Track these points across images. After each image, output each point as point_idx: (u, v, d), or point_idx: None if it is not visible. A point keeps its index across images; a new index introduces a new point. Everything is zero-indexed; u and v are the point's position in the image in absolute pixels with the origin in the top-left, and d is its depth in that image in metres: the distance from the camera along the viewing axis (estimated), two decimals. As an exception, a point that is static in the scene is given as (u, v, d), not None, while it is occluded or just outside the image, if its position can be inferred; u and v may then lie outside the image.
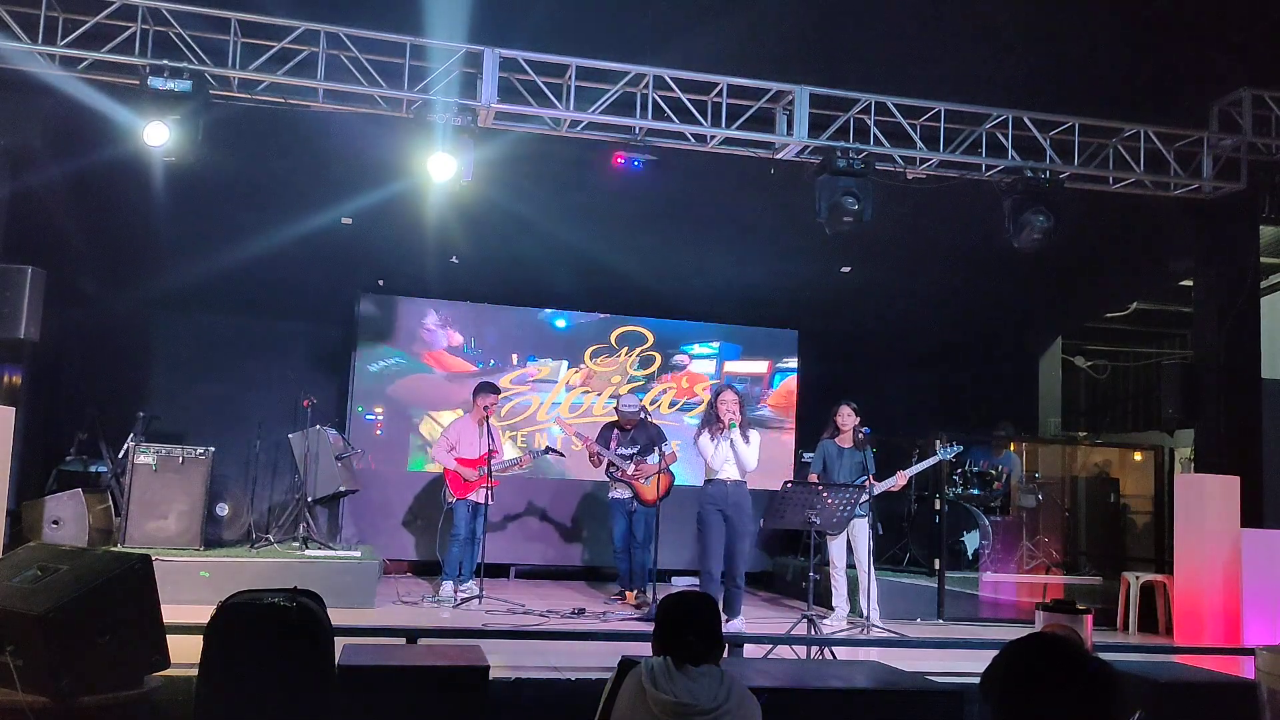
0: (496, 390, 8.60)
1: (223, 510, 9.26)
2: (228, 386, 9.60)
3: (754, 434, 7.34)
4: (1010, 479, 10.02)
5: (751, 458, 7.25)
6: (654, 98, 7.20)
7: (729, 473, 7.23)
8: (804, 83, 7.33)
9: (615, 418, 8.64)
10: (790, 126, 7.37)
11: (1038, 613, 4.45)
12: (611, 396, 10.11)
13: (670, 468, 8.25)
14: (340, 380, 10.06)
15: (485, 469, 8.07)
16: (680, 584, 9.46)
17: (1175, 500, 8.24)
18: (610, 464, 8.36)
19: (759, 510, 7.19)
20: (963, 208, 8.21)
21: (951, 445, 8.16)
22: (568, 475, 10.05)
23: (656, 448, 8.26)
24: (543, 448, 9.18)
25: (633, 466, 8.27)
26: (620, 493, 8.39)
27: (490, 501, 8.29)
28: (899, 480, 7.95)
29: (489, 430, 8.36)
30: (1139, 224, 8.87)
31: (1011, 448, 10.34)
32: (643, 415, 8.59)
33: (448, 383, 10.14)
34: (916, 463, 8.20)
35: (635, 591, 8.21)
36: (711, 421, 7.29)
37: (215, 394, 9.55)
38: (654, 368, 10.65)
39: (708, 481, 7.32)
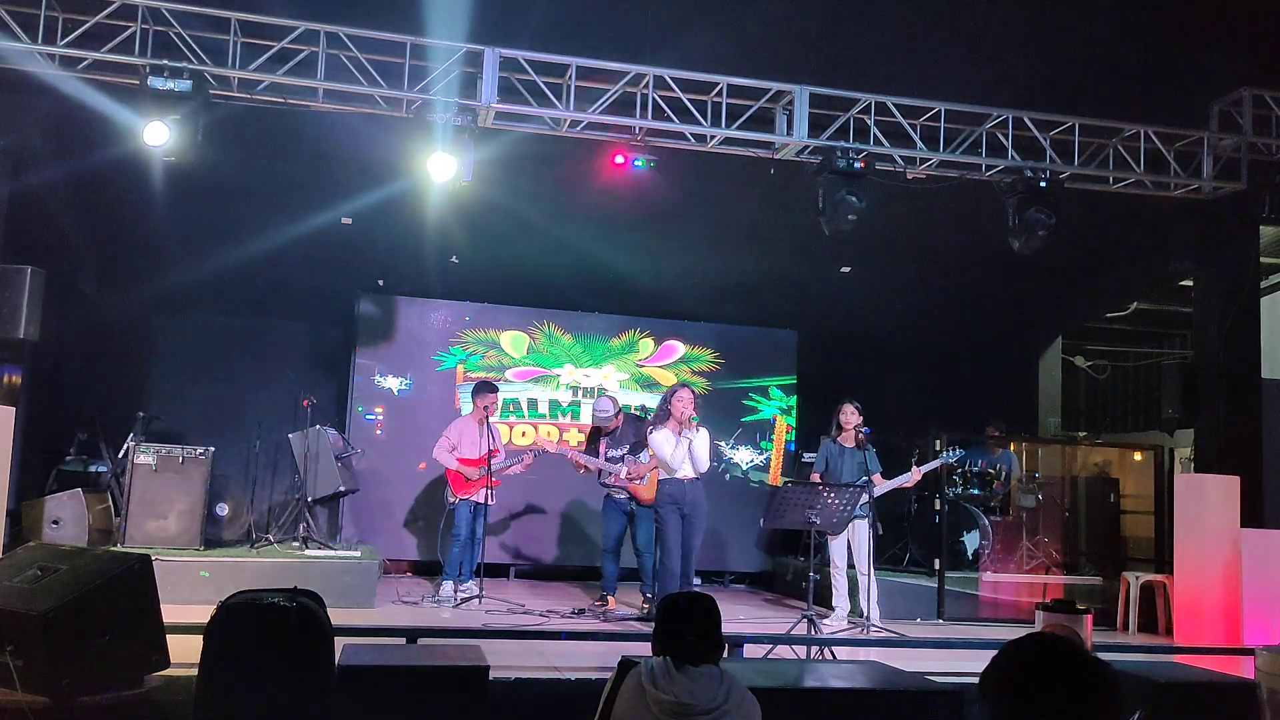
0: (495, 389, 8.59)
1: (223, 510, 9.26)
2: (228, 386, 9.60)
3: (704, 432, 7.29)
4: (1010, 478, 10.02)
5: (705, 456, 7.26)
6: (654, 98, 7.20)
7: (685, 472, 7.20)
8: (804, 83, 7.33)
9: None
10: (790, 126, 7.37)
11: (1038, 613, 4.45)
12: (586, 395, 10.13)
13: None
14: (340, 380, 10.06)
15: (487, 469, 8.08)
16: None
17: (1175, 500, 8.24)
18: (600, 470, 8.13)
19: (760, 511, 7.16)
20: (963, 208, 8.21)
21: (953, 449, 8.16)
22: (568, 475, 10.04)
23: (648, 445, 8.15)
24: (541, 449, 9.15)
25: (625, 469, 8.03)
26: (617, 494, 8.16)
27: (491, 502, 8.30)
28: (915, 475, 7.94)
29: (490, 430, 8.37)
30: (1139, 224, 8.87)
31: (1012, 448, 10.34)
32: (621, 414, 8.34)
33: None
34: (919, 462, 8.19)
35: (648, 595, 8.08)
36: (664, 420, 7.23)
37: (215, 394, 9.55)
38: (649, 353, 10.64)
39: (664, 481, 7.27)
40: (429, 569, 9.37)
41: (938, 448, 8.17)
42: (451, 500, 8.31)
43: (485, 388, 8.53)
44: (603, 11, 7.04)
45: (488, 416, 8.41)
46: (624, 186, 7.72)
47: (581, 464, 8.14)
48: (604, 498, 8.29)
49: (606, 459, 8.09)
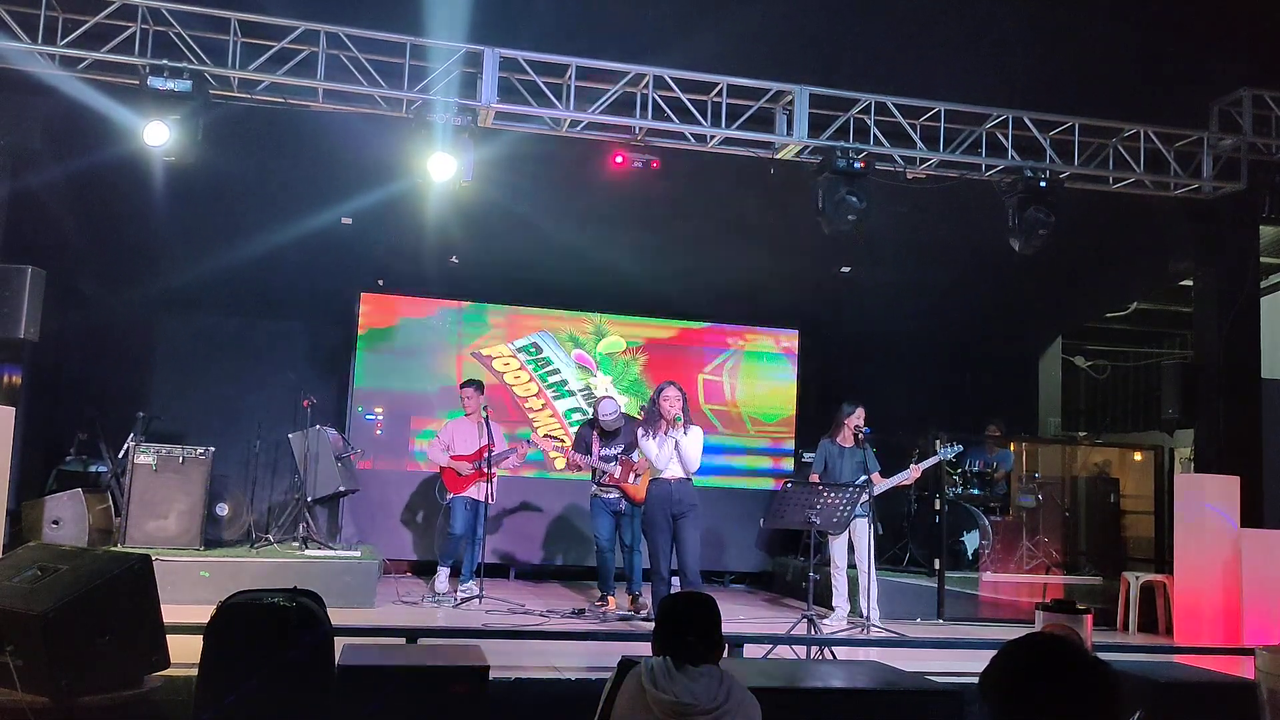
0: (480, 386, 8.59)
1: (223, 510, 9.26)
2: (228, 386, 9.59)
3: (695, 431, 7.12)
4: (1009, 475, 10.04)
5: (695, 455, 7.06)
6: (654, 98, 7.21)
7: (673, 471, 7.02)
8: (804, 83, 7.33)
9: (592, 416, 8.32)
10: (790, 126, 7.38)
11: (1038, 613, 4.45)
12: (586, 397, 10.14)
13: None
14: (340, 380, 10.06)
15: (479, 464, 8.12)
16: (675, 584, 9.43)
17: (1175, 500, 8.24)
18: (594, 469, 8.05)
19: (760, 511, 7.10)
20: (963, 208, 8.22)
21: (951, 445, 8.16)
22: (567, 475, 10.04)
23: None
24: (538, 446, 9.12)
25: (619, 469, 7.95)
26: (606, 493, 8.05)
27: (492, 500, 8.27)
28: (913, 473, 7.93)
29: (487, 427, 8.36)
30: (1139, 224, 8.87)
31: (1012, 448, 10.35)
32: (624, 416, 8.26)
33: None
34: (917, 461, 8.20)
35: (635, 595, 8.07)
36: (654, 420, 7.08)
37: (215, 394, 9.55)
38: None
39: (652, 481, 7.15)
40: (429, 569, 9.34)
41: (937, 446, 8.17)
42: (446, 497, 8.32)
43: (471, 385, 8.55)
44: (603, 11, 7.04)
45: (488, 416, 8.42)
46: (624, 186, 7.73)
47: (578, 462, 8.10)
48: (591, 497, 8.20)
49: (600, 458, 8.04)
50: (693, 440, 7.08)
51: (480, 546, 8.18)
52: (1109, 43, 7.31)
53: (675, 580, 7.22)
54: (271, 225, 8.36)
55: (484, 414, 8.37)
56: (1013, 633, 2.20)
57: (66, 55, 6.49)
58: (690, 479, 7.12)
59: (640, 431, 7.23)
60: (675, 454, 7.01)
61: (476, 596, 7.87)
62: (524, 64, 6.98)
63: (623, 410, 8.30)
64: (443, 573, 8.20)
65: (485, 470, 8.13)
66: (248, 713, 2.22)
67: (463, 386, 8.59)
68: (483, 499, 8.23)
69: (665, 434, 7.01)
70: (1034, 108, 7.62)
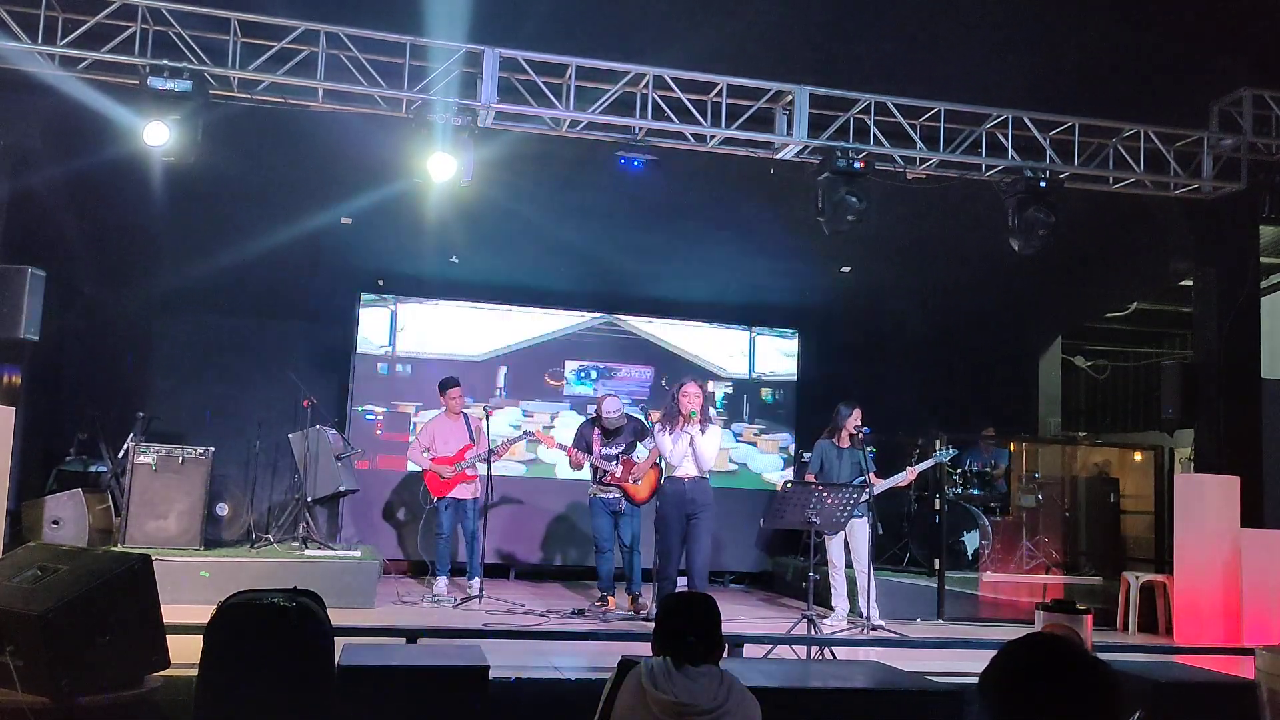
0: (457, 383, 8.52)
1: (223, 510, 9.26)
2: (228, 386, 9.59)
3: (714, 429, 7.04)
4: (1008, 472, 10.04)
5: (711, 454, 6.96)
6: (654, 98, 7.21)
7: (687, 469, 6.92)
8: (804, 83, 7.33)
9: (594, 414, 8.29)
10: (790, 126, 7.38)
11: (1038, 613, 4.44)
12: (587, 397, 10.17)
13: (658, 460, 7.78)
14: (340, 380, 10.06)
15: (461, 466, 8.12)
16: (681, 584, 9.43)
17: (1175, 500, 8.24)
18: (596, 468, 8.02)
19: (760, 511, 7.07)
20: (963, 208, 8.22)
21: (947, 449, 8.18)
22: (567, 475, 10.03)
23: (641, 442, 7.97)
24: (521, 432, 9.12)
25: (620, 468, 7.93)
26: (606, 492, 8.02)
27: (490, 500, 8.23)
28: (909, 475, 7.94)
29: (469, 426, 8.33)
30: (1139, 224, 8.87)
31: (1012, 448, 10.35)
32: (627, 415, 8.25)
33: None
34: (917, 461, 8.21)
35: (635, 595, 8.06)
36: (673, 416, 6.96)
37: (215, 394, 9.55)
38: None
39: (666, 479, 7.06)
40: (429, 569, 9.37)
41: (937, 447, 8.18)
42: (431, 500, 8.33)
43: (448, 383, 8.50)
44: (603, 11, 7.04)
45: (487, 417, 8.41)
46: (624, 186, 7.72)
47: (579, 460, 8.07)
48: (590, 497, 8.17)
49: (602, 457, 8.01)
50: (710, 439, 6.96)
51: (479, 547, 8.15)
52: (1109, 43, 7.30)
53: (681, 580, 7.19)
54: (271, 225, 8.36)
55: (485, 414, 8.37)
56: (1013, 633, 2.20)
57: (66, 55, 6.49)
58: (705, 477, 7.02)
59: (657, 427, 7.14)
60: (690, 451, 6.91)
61: (476, 596, 7.87)
62: (524, 64, 6.98)
63: (624, 416, 8.28)
64: (440, 580, 8.20)
65: (468, 473, 8.12)
66: (248, 713, 2.22)
67: (445, 387, 8.50)
68: (471, 498, 8.21)
69: (681, 430, 6.91)
70: (1034, 108, 7.62)
